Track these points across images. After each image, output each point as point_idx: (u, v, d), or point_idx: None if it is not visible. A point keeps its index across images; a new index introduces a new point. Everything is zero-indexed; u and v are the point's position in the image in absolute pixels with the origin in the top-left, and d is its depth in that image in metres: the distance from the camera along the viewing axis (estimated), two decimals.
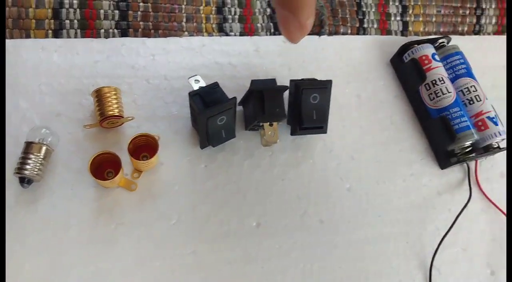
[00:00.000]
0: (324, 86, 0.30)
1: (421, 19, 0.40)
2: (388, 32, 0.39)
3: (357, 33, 0.38)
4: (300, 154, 0.32)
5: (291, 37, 0.19)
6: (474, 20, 0.41)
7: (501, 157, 0.35)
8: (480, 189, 0.33)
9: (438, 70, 0.33)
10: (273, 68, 0.33)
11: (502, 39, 0.41)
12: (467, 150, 0.32)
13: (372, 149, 0.33)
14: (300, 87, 0.29)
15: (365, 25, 0.38)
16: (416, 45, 0.34)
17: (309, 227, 0.30)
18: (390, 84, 0.35)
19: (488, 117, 0.33)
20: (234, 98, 0.27)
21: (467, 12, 0.42)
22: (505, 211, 0.32)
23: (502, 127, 0.33)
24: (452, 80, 0.34)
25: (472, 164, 0.34)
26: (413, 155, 0.33)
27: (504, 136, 0.32)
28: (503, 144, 0.34)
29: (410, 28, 0.40)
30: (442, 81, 0.33)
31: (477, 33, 0.42)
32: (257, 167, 0.31)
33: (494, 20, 0.42)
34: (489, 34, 0.42)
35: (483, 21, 0.42)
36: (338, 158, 0.32)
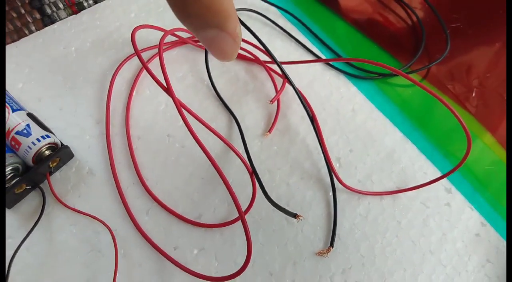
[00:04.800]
0: None
1: None
2: None
3: None
4: None
5: (228, 55, 0.16)
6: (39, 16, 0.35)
7: (90, 155, 0.30)
8: (62, 203, 0.28)
9: None
10: None
11: None
12: (9, 177, 0.26)
13: None
14: None
15: None
16: None
17: None
18: None
19: (17, 132, 0.27)
20: None
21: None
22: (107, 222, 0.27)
23: (39, 132, 0.27)
24: None
25: (45, 184, 0.28)
26: None
27: (48, 140, 0.27)
28: (78, 143, 0.29)
29: None
30: None
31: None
32: None
33: None
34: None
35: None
36: None
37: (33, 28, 0.35)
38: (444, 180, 0.32)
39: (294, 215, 0.26)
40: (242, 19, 0.34)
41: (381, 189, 0.31)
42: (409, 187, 0.31)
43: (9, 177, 0.26)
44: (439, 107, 0.37)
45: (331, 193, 0.30)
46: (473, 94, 0.38)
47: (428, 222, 0.30)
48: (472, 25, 0.43)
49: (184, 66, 0.35)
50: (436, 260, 0.29)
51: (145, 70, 0.33)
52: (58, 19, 0.36)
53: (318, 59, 0.37)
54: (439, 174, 0.33)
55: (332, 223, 0.29)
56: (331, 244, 0.28)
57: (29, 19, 0.35)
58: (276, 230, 0.28)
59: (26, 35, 0.35)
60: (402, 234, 0.29)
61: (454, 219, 0.31)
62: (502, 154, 0.35)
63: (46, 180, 0.28)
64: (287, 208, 0.27)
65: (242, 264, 0.22)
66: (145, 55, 0.34)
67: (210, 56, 0.35)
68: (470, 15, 0.44)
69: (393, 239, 0.29)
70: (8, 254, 0.25)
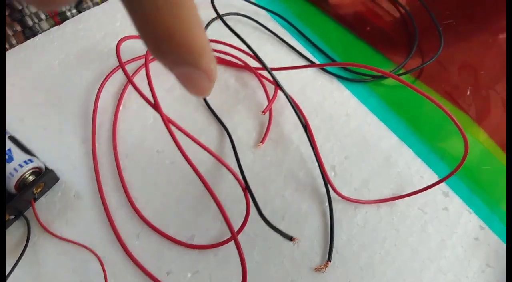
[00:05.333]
0: None
1: None
2: None
3: None
4: None
5: (202, 91, 0.16)
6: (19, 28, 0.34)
7: (76, 176, 0.29)
8: (48, 231, 0.26)
9: None
10: None
11: None
12: None
13: None
14: None
15: None
16: None
17: None
18: None
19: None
20: None
21: None
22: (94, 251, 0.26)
23: (22, 157, 0.26)
24: None
25: (30, 211, 0.27)
26: None
27: (31, 164, 0.26)
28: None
29: None
30: None
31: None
32: None
33: None
34: None
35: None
36: None
37: (14, 41, 0.34)
38: (441, 184, 0.31)
39: (290, 238, 0.25)
40: (230, 24, 0.33)
41: (378, 196, 0.30)
42: (406, 193, 0.31)
43: None
44: (433, 108, 0.36)
45: (327, 204, 0.29)
46: (468, 93, 0.37)
47: (427, 228, 0.30)
48: (465, 21, 0.42)
49: (172, 77, 0.33)
50: (436, 268, 0.28)
51: None
52: (40, 30, 0.35)
53: (310, 64, 0.36)
54: (435, 177, 0.32)
55: (329, 236, 0.28)
56: (329, 258, 0.27)
57: (9, 33, 0.34)
58: (272, 247, 0.28)
59: (6, 49, 0.33)
60: (401, 242, 0.29)
61: (452, 223, 0.30)
62: (498, 153, 0.34)
63: (30, 207, 0.27)
64: (283, 223, 0.26)
65: None
66: (131, 67, 0.33)
67: None
68: (463, 12, 0.43)
69: (392, 248, 0.28)
70: None
